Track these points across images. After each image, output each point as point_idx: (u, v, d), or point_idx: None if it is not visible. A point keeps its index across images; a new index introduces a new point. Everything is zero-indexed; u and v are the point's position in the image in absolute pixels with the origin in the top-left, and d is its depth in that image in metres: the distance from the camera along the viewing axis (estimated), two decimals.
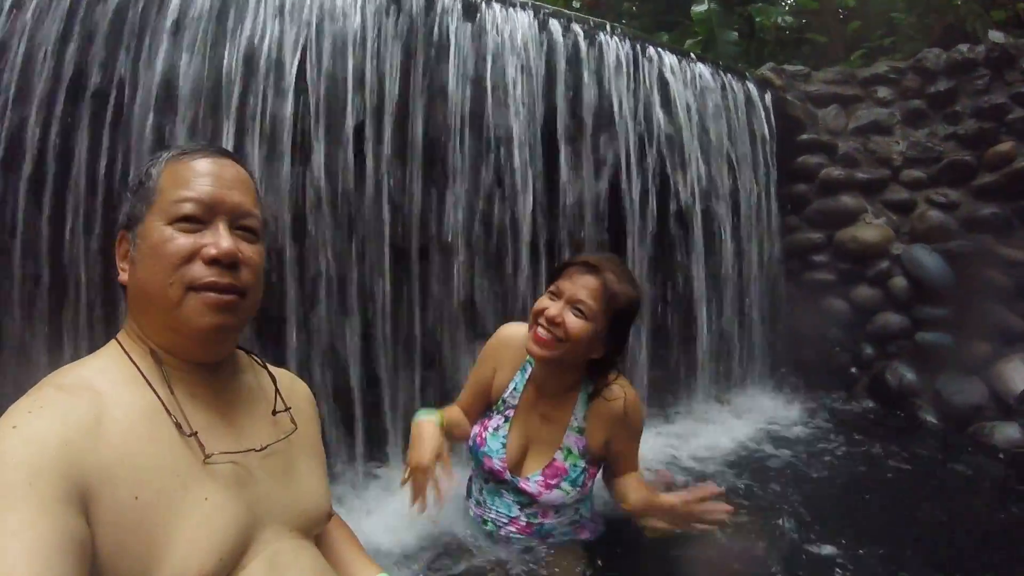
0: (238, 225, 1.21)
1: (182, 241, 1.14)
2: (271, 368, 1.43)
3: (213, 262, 1.14)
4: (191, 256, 1.14)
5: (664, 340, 5.02)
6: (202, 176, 1.18)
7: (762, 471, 4.15)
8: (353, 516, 2.74)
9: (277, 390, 1.36)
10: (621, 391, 2.47)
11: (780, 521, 3.43)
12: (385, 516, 3.11)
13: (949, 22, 6.95)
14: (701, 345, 5.15)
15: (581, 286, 2.26)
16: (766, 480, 3.99)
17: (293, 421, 1.36)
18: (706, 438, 4.64)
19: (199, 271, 1.14)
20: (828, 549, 3.11)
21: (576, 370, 2.43)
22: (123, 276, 1.20)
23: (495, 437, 2.52)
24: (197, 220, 1.16)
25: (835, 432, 4.88)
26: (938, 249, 5.58)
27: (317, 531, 1.38)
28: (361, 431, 3.69)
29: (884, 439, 4.72)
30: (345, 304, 3.70)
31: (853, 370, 5.77)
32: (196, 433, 1.14)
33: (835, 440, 4.72)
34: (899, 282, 5.66)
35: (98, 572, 0.98)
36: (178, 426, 1.13)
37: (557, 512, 2.53)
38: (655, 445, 4.35)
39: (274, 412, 1.33)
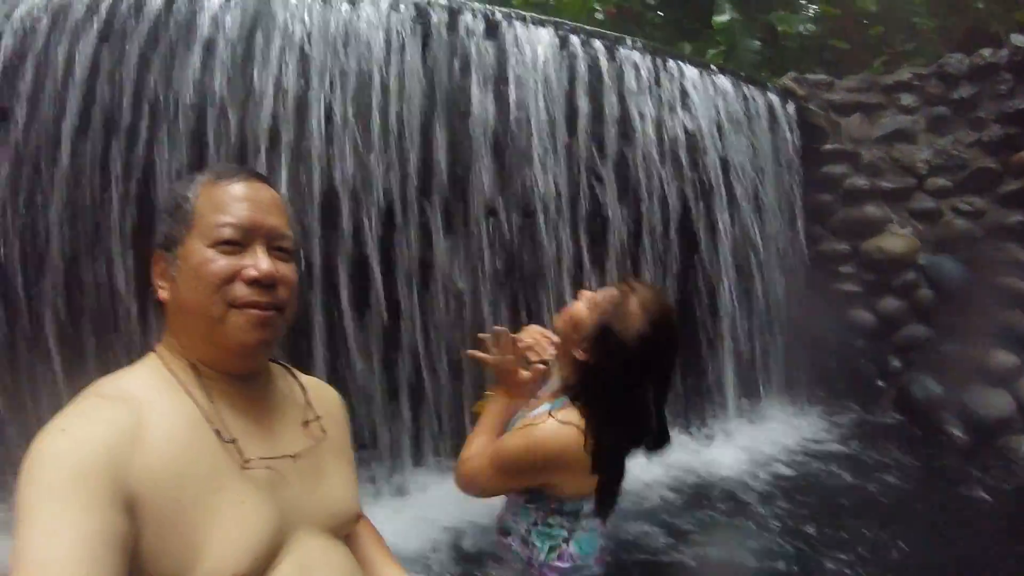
0: (274, 246, 1.27)
1: (223, 263, 1.20)
2: (301, 377, 1.50)
3: (253, 282, 1.21)
4: (232, 277, 1.20)
5: (688, 351, 5.01)
6: (239, 201, 1.25)
7: (785, 484, 4.17)
8: None
9: (307, 399, 1.43)
10: (543, 419, 2.02)
11: (802, 536, 3.44)
12: None
13: (971, 25, 6.88)
14: (725, 356, 5.15)
15: (576, 302, 2.10)
16: (788, 493, 4.00)
17: (323, 428, 1.42)
18: (728, 450, 4.67)
19: (240, 291, 1.20)
20: (852, 563, 3.11)
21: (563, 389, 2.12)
22: (162, 293, 1.27)
23: None
24: (236, 243, 1.22)
25: (860, 445, 4.87)
26: (964, 258, 5.55)
27: (346, 532, 1.43)
28: None
29: (909, 453, 4.71)
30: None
31: (879, 382, 5.74)
32: (235, 440, 1.21)
33: (860, 453, 4.72)
34: (925, 293, 5.63)
35: (139, 570, 1.03)
36: (217, 433, 1.19)
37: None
38: (675, 455, 4.36)
39: (305, 421, 1.39)
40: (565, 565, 2.04)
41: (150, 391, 1.19)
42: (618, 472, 2.02)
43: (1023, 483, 4.41)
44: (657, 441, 2.03)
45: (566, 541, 2.06)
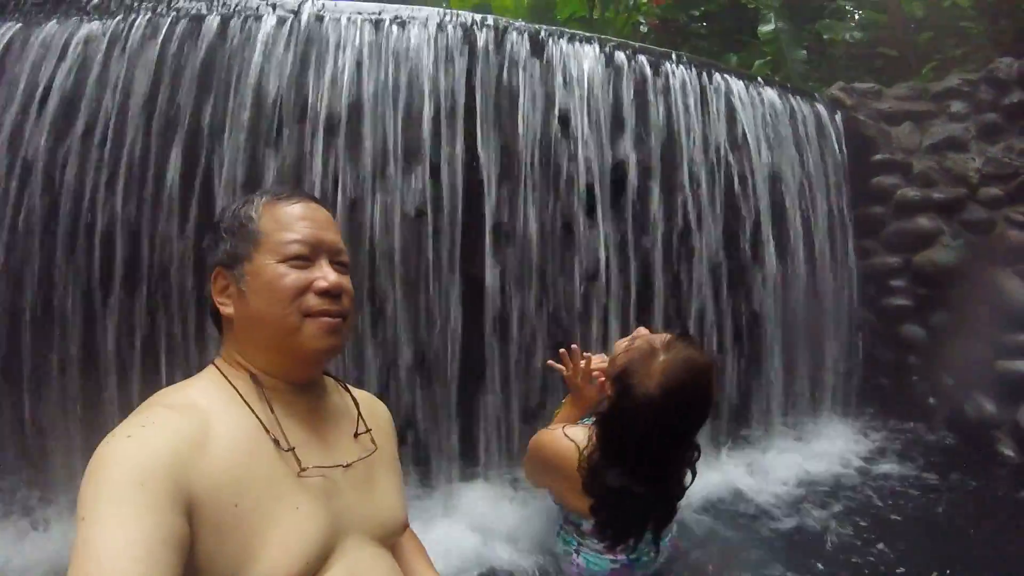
0: (335, 260, 1.40)
1: (295, 276, 1.32)
2: (353, 390, 1.60)
3: (324, 293, 1.33)
4: (304, 289, 1.32)
5: (736, 366, 4.97)
6: (302, 219, 1.37)
7: (834, 506, 4.10)
8: None
9: (359, 412, 1.52)
10: (552, 429, 2.34)
11: (850, 560, 3.40)
12: None
13: (1021, 27, 6.73)
14: (772, 372, 5.10)
15: (620, 345, 2.30)
16: (839, 516, 3.94)
17: (373, 441, 1.51)
18: (776, 469, 4.60)
19: (313, 301, 1.32)
20: None
21: None
22: (226, 309, 1.37)
23: None
24: (304, 258, 1.34)
25: (912, 466, 4.77)
26: (1019, 271, 5.41)
27: (394, 540, 1.52)
28: None
29: (962, 474, 4.61)
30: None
31: (931, 400, 5.61)
32: (294, 449, 1.29)
33: (911, 474, 4.62)
34: (979, 308, 5.48)
35: (195, 570, 1.09)
36: (276, 442, 1.27)
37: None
38: (722, 474, 4.35)
39: (356, 434, 1.48)
40: (573, 572, 2.26)
41: (212, 402, 1.26)
42: (615, 504, 2.07)
43: None
44: (665, 490, 2.13)
45: (576, 552, 2.25)
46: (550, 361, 2.60)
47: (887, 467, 4.75)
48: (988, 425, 5.17)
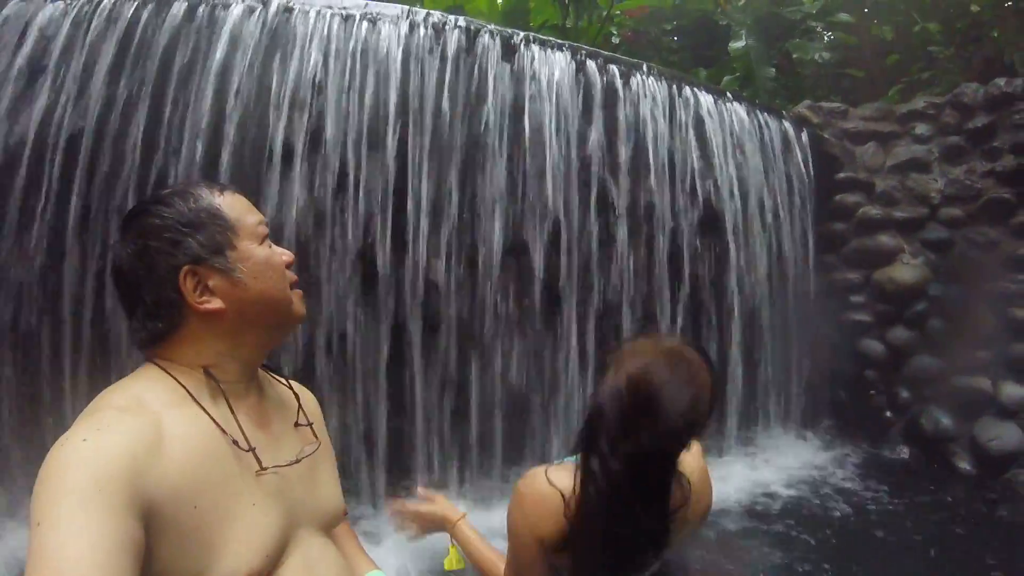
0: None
1: (278, 253, 1.38)
2: (290, 382, 1.59)
3: (290, 265, 1.40)
4: (283, 264, 1.38)
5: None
6: (249, 205, 1.40)
7: (791, 520, 4.12)
8: None
9: (300, 404, 1.51)
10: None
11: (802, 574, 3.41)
12: None
13: (988, 54, 6.87)
14: (732, 385, 5.14)
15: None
16: (795, 530, 3.96)
17: (315, 433, 1.51)
18: (733, 483, 4.62)
19: (290, 274, 1.39)
20: None
21: None
22: (211, 304, 1.31)
23: None
24: (268, 238, 1.39)
25: (868, 479, 4.82)
26: (977, 290, 5.50)
27: (335, 527, 1.53)
28: None
29: (918, 487, 4.67)
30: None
31: (888, 414, 5.69)
32: (254, 449, 1.27)
33: (868, 488, 4.67)
34: (936, 324, 5.60)
35: (160, 573, 1.07)
36: (235, 442, 1.25)
37: None
38: None
39: (296, 424, 1.48)
40: None
41: (162, 402, 1.23)
42: (599, 549, 1.62)
43: None
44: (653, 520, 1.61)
45: None
46: (396, 511, 2.09)
47: (844, 480, 4.79)
48: (944, 439, 5.26)
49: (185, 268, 1.30)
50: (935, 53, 7.37)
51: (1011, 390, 5.16)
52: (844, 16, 7.54)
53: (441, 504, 2.03)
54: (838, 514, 4.23)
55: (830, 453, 5.36)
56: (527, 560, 1.67)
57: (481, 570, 1.90)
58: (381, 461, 3.92)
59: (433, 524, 2.02)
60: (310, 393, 1.67)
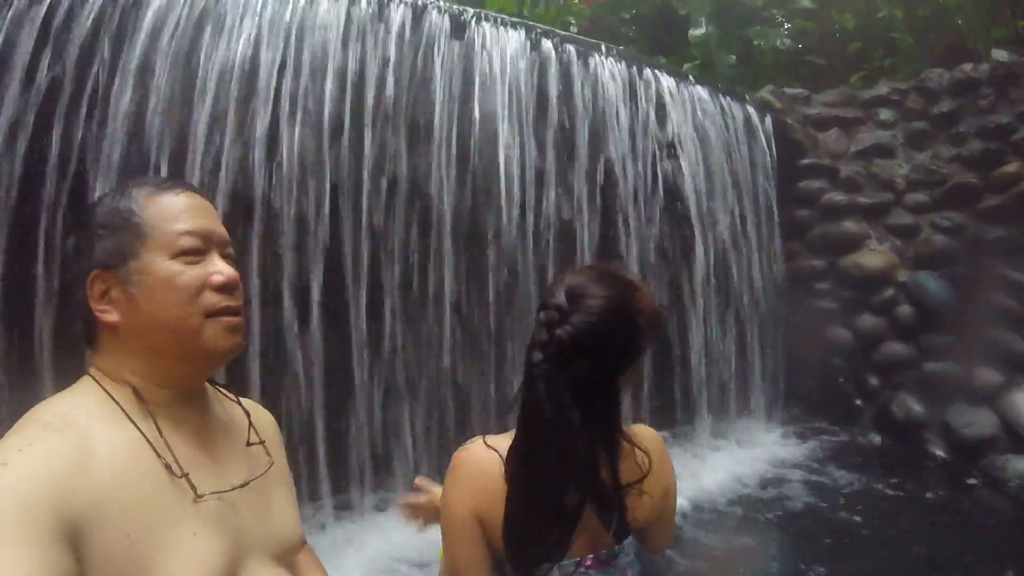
0: (224, 253, 1.28)
1: (193, 272, 1.20)
2: (240, 399, 1.46)
3: (222, 288, 1.22)
4: (203, 286, 1.20)
5: (661, 370, 4.85)
6: (190, 210, 1.25)
7: (762, 509, 4.03)
8: None
9: (251, 423, 1.39)
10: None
11: (772, 565, 3.28)
12: None
13: (951, 41, 6.85)
14: (699, 376, 5.01)
15: None
16: (767, 520, 3.86)
17: (268, 453, 1.40)
18: (704, 474, 4.49)
19: (213, 299, 1.21)
20: None
21: None
22: (109, 316, 1.21)
23: None
24: (197, 252, 1.22)
25: (839, 467, 4.72)
26: (944, 275, 5.45)
27: (292, 558, 1.40)
28: None
29: (891, 474, 4.57)
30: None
31: (858, 402, 5.59)
32: (187, 475, 1.16)
33: (839, 475, 4.58)
34: (904, 310, 5.50)
35: None
36: (168, 467, 1.15)
37: None
38: None
39: (248, 443, 1.36)
40: None
41: (92, 419, 1.14)
42: (541, 504, 1.44)
43: (1008, 503, 4.29)
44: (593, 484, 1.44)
45: None
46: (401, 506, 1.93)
47: (815, 468, 4.69)
48: (916, 425, 5.15)
49: (93, 272, 1.21)
50: (897, 40, 7.33)
51: (983, 375, 5.05)
52: (806, 2, 7.46)
53: (437, 495, 1.80)
54: (811, 501, 4.13)
55: (799, 441, 5.27)
56: (463, 542, 1.50)
57: None
58: None
59: (432, 515, 1.83)
60: (266, 412, 1.55)
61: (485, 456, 1.50)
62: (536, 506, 1.46)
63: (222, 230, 1.30)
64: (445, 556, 1.57)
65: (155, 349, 1.22)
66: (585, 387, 1.40)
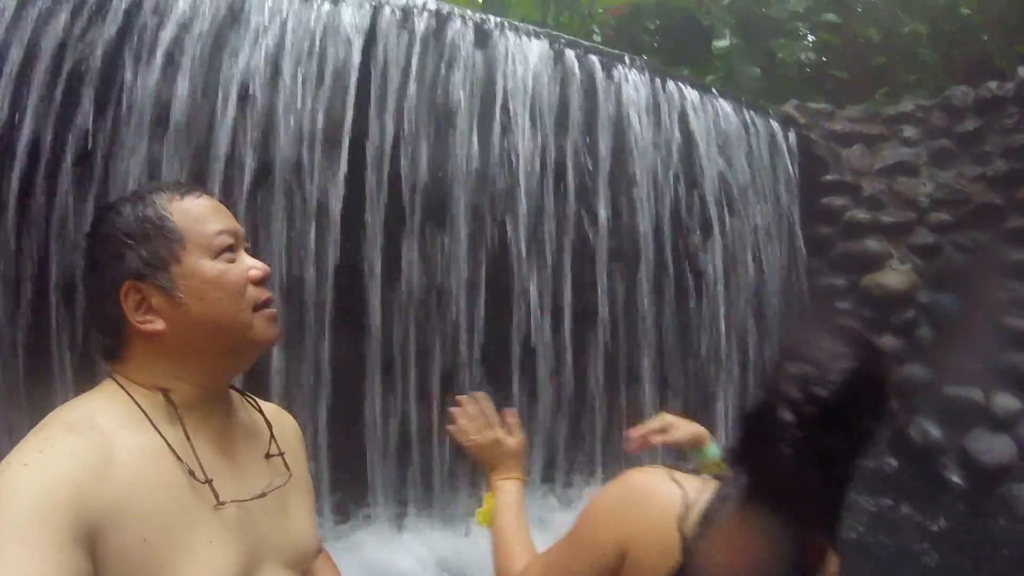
0: (246, 249, 1.31)
1: (237, 269, 1.23)
2: (261, 404, 1.47)
3: (259, 282, 1.26)
4: (246, 281, 1.23)
5: (680, 386, 4.80)
6: (215, 211, 1.27)
7: None
8: None
9: (272, 434, 1.39)
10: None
11: None
12: None
13: (976, 57, 6.78)
14: (721, 392, 4.96)
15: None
16: None
17: (286, 464, 1.39)
18: None
19: (256, 292, 1.24)
20: None
21: None
22: (154, 325, 1.20)
23: None
24: (231, 249, 1.24)
25: (853, 490, 4.62)
26: (965, 296, 5.36)
27: (307, 566, 1.42)
28: None
29: (907, 500, 4.52)
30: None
31: None
32: (211, 481, 1.17)
33: (853, 498, 4.48)
34: (925, 332, 5.44)
35: None
36: (190, 472, 1.16)
37: None
38: None
39: (268, 455, 1.36)
40: None
41: (114, 423, 1.14)
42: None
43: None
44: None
45: None
46: (449, 427, 1.78)
47: None
48: (933, 450, 5.07)
49: (126, 284, 1.20)
50: (922, 55, 7.26)
51: (1003, 401, 4.99)
52: (831, 16, 7.40)
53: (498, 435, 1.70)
54: None
55: None
56: (591, 565, 1.33)
57: (498, 551, 1.58)
58: None
59: (483, 450, 1.71)
60: (289, 417, 1.55)
61: (666, 491, 1.30)
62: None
63: (240, 227, 1.33)
64: (559, 556, 1.40)
65: (199, 348, 1.22)
66: (831, 464, 1.20)
